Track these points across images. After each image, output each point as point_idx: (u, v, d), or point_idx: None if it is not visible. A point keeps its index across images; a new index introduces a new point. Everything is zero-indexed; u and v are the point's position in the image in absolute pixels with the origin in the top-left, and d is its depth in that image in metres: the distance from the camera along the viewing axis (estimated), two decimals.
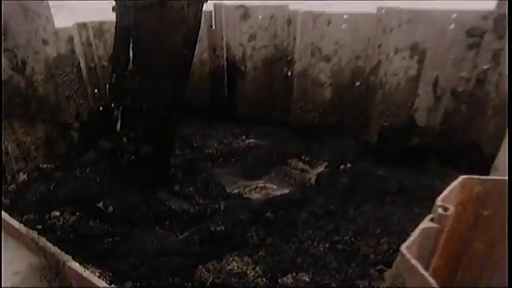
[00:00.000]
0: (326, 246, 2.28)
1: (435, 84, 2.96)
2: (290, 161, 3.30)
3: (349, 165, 3.11)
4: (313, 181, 3.03)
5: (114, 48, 2.28)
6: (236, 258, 2.22)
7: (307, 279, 2.06)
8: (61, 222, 2.46)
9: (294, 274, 2.09)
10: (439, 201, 1.06)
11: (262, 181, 3.07)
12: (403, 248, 0.95)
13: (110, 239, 2.35)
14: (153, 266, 2.18)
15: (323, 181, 2.95)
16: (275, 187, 2.96)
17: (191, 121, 3.79)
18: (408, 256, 0.92)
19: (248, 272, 2.12)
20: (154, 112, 2.31)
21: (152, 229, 2.50)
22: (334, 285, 2.01)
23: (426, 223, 1.04)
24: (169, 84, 2.24)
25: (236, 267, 2.15)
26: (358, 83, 3.29)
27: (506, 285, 1.06)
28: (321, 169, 3.17)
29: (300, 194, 2.77)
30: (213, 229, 2.40)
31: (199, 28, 2.15)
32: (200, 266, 2.16)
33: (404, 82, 3.08)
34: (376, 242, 2.28)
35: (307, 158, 3.32)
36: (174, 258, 2.22)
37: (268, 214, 2.53)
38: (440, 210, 1.04)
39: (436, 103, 3.02)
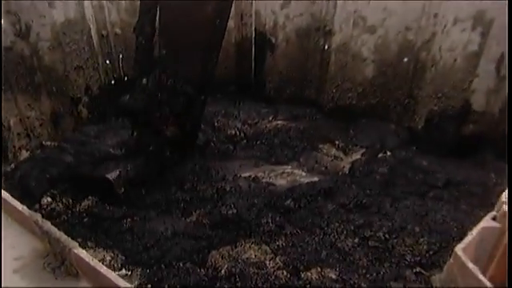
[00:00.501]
0: (356, 241, 2.28)
1: (500, 62, 2.82)
2: (321, 146, 3.31)
3: (389, 153, 3.06)
4: (346, 169, 3.02)
5: (138, 17, 2.31)
6: (253, 245, 2.26)
7: (333, 276, 2.08)
8: (60, 204, 2.60)
9: (319, 269, 2.12)
10: (504, 197, 1.02)
11: (289, 166, 3.08)
12: (458, 249, 0.92)
13: (116, 222, 2.47)
14: (163, 249, 2.26)
15: (358, 170, 2.94)
16: (304, 174, 2.97)
17: (213, 98, 3.78)
18: (464, 258, 0.89)
19: (267, 262, 2.16)
20: (181, 90, 2.35)
21: (163, 210, 2.58)
22: (363, 285, 2.01)
23: (486, 222, 1.00)
24: (198, 59, 2.28)
25: (253, 256, 2.19)
26: (405, 59, 3.21)
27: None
28: (356, 156, 3.16)
29: (330, 183, 2.76)
30: (224, 212, 2.45)
31: None
32: (213, 252, 2.23)
33: (461, 58, 2.96)
34: (414, 241, 2.27)
35: (341, 144, 3.30)
36: (185, 241, 2.28)
37: (288, 202, 2.54)
38: (505, 208, 0.99)
39: (498, 84, 2.88)
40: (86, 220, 2.50)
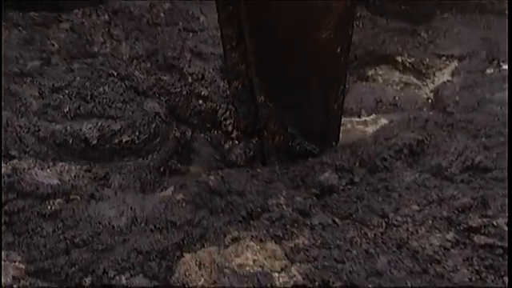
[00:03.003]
0: (449, 236, 1.74)
1: None
2: (373, 70, 2.88)
3: (504, 66, 2.56)
4: (429, 101, 2.61)
5: (224, 55, 2.32)
6: (252, 242, 1.83)
7: None
8: None
9: None
10: None
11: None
12: None
13: (37, 201, 2.01)
14: (98, 250, 1.84)
15: (451, 101, 2.48)
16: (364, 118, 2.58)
17: None
18: None
19: (275, 276, 1.71)
20: (298, 149, 2.35)
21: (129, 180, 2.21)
22: None
23: None
24: (317, 101, 2.24)
25: (251, 261, 1.78)
26: None
27: None
28: (443, 78, 2.70)
29: (417, 130, 2.26)
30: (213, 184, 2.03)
31: (355, 9, 2.17)
32: (187, 256, 1.84)
33: None
34: None
35: (409, 61, 2.83)
36: (144, 235, 1.91)
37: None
38: None
39: None
40: None
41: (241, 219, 1.94)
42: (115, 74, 2.50)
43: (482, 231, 1.72)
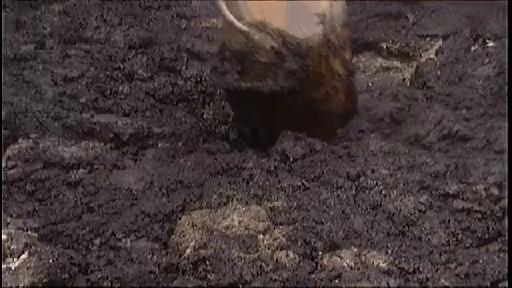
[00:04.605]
0: (423, 199, 1.75)
1: None
2: (355, 59, 2.77)
3: (491, 43, 2.51)
4: (405, 82, 2.53)
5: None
6: (239, 205, 1.83)
7: (381, 263, 1.56)
8: None
9: (354, 251, 1.62)
10: None
11: None
12: None
13: (62, 171, 2.04)
14: (108, 213, 1.88)
15: (433, 76, 2.39)
16: None
17: None
18: None
19: (260, 238, 1.70)
20: None
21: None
22: (444, 282, 1.50)
23: None
24: None
25: (237, 222, 1.77)
26: None
27: None
28: (425, 57, 2.66)
29: (383, 101, 2.30)
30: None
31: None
32: (183, 218, 1.85)
33: None
34: None
35: (394, 47, 2.71)
36: (153, 200, 1.94)
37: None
38: None
39: None
40: (12, 171, 2.05)
41: (222, 173, 1.98)
42: (121, 67, 2.41)
43: (460, 197, 1.72)
